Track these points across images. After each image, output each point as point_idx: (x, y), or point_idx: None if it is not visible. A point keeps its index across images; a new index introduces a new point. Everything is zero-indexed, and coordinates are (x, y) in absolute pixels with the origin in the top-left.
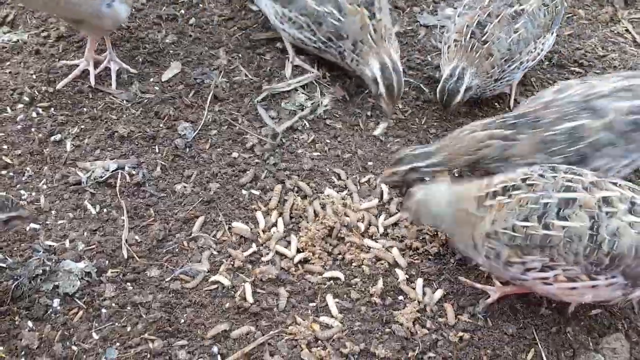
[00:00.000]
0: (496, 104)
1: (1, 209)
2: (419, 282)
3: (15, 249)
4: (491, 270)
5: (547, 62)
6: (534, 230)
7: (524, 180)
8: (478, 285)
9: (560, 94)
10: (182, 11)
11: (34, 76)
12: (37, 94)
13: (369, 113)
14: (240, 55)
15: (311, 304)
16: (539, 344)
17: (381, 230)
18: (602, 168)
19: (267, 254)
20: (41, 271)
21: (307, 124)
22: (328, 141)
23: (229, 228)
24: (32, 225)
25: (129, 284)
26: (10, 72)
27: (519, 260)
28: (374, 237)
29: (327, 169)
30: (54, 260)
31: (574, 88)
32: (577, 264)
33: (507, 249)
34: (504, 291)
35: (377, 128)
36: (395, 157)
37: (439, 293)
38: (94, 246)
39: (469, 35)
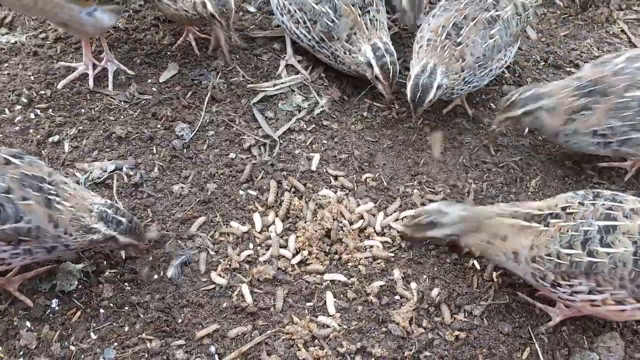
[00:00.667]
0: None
1: (130, 233)
2: (416, 281)
3: None
4: (537, 287)
5: (543, 63)
6: (579, 257)
7: (563, 209)
8: (539, 305)
9: (631, 62)
10: None
11: (32, 77)
12: (35, 95)
13: (365, 114)
14: (237, 56)
15: (308, 304)
16: (534, 342)
17: (378, 230)
18: None
19: (264, 254)
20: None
21: (304, 124)
22: (325, 142)
23: (227, 228)
24: None
25: (126, 284)
26: (8, 74)
27: (565, 283)
28: (370, 237)
29: (324, 170)
30: (54, 261)
31: None
32: (623, 288)
33: (552, 274)
34: (566, 314)
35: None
36: (506, 101)
37: (435, 292)
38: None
39: (443, 36)
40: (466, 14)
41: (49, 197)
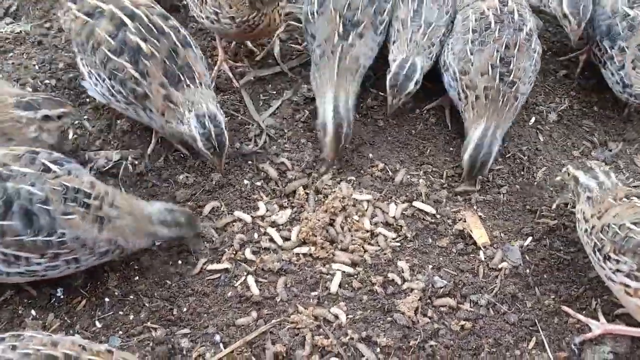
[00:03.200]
0: None
1: (189, 226)
2: (421, 271)
3: None
4: (592, 262)
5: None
6: (634, 234)
7: None
8: (582, 318)
9: None
10: (185, 2)
11: (36, 67)
12: (40, 84)
13: (369, 102)
14: (242, 46)
15: (313, 293)
16: (540, 332)
17: (383, 219)
18: None
19: (269, 243)
20: None
21: (309, 114)
22: None
23: (231, 217)
24: None
25: (131, 273)
26: (13, 63)
27: (614, 257)
28: (376, 227)
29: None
30: None
31: None
32: None
33: (609, 243)
34: (607, 329)
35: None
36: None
37: (440, 282)
38: None
39: (497, 79)
40: (506, 42)
41: (97, 214)
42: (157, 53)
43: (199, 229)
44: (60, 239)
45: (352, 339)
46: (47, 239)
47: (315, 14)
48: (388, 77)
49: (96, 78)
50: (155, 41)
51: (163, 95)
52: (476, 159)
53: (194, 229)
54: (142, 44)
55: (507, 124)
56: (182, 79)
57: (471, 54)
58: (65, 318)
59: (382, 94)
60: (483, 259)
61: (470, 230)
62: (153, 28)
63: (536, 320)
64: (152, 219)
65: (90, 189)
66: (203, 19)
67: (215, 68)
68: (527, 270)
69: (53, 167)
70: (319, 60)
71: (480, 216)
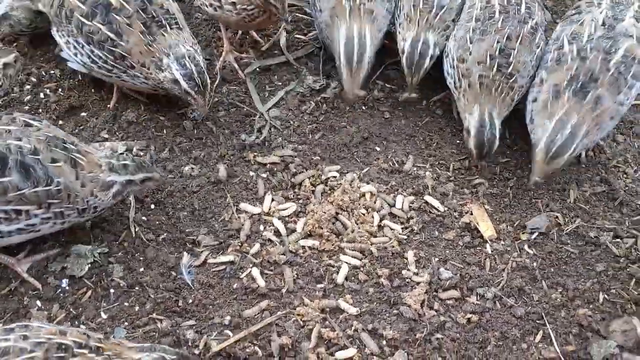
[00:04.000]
0: None
1: (139, 169)
2: (428, 264)
3: None
4: None
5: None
6: None
7: None
8: None
9: None
10: None
11: (41, 58)
12: (44, 75)
13: (376, 94)
14: (247, 36)
15: (319, 285)
16: (547, 326)
17: (389, 211)
18: None
19: (275, 235)
20: (52, 255)
21: (314, 105)
22: (336, 123)
23: (237, 209)
24: None
25: (137, 264)
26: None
27: None
28: (382, 219)
29: (335, 152)
30: (65, 243)
31: None
32: None
33: None
34: None
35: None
36: (548, 148)
37: (447, 275)
38: (103, 225)
39: (494, 69)
40: (508, 33)
41: (72, 157)
42: (127, 5)
43: (153, 170)
44: (57, 187)
45: (358, 331)
46: (47, 188)
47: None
48: (403, 58)
49: (74, 46)
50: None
51: (145, 44)
52: (482, 140)
53: (147, 170)
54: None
55: (503, 110)
56: (163, 23)
57: (471, 42)
58: (71, 309)
59: (388, 85)
60: (490, 252)
61: (477, 223)
62: None
63: (543, 314)
64: (103, 167)
65: (65, 136)
66: (207, 6)
67: (221, 59)
68: (534, 264)
69: (33, 122)
70: (329, 21)
71: (487, 209)
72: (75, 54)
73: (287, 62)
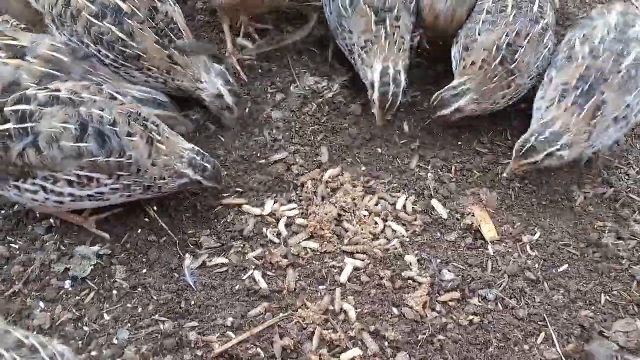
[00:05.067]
0: None
1: (213, 178)
2: (430, 266)
3: (20, 232)
4: None
5: None
6: None
7: None
8: None
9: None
10: None
11: None
12: None
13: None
14: (249, 38)
15: (321, 287)
16: (549, 327)
17: (392, 213)
18: None
19: (277, 237)
20: (55, 257)
21: (316, 107)
22: (338, 125)
23: (239, 211)
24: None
25: (139, 266)
26: None
27: None
28: (385, 221)
29: (338, 153)
30: (68, 245)
31: None
32: None
33: None
34: None
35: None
36: (522, 148)
37: (449, 276)
38: (106, 227)
39: (498, 60)
40: (518, 30)
41: (151, 135)
42: (137, 11)
43: (222, 182)
44: (129, 161)
45: (360, 333)
46: (119, 160)
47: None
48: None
49: (79, 46)
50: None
51: (166, 55)
52: (439, 96)
53: (218, 182)
54: (121, 4)
55: (496, 96)
56: (172, 36)
57: (479, 34)
58: (74, 310)
59: None
60: (492, 253)
61: (479, 225)
62: None
63: (545, 316)
64: (184, 159)
65: (148, 115)
66: None
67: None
68: (536, 265)
69: (119, 96)
70: (365, 46)
71: (489, 211)
72: None
73: (289, 64)
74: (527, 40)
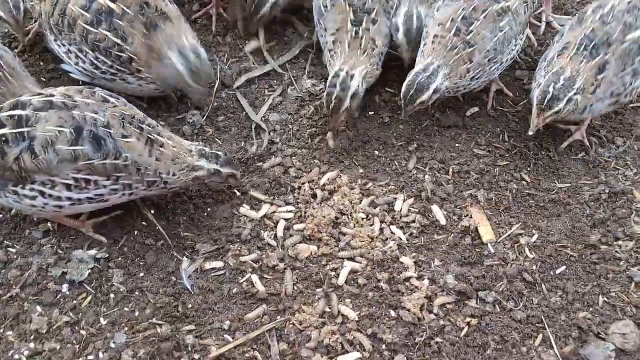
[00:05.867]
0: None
1: (228, 163)
2: (427, 267)
3: (17, 236)
4: None
5: None
6: None
7: None
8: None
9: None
10: None
11: None
12: None
13: (375, 99)
14: (247, 41)
15: (318, 290)
16: (547, 329)
17: (389, 215)
18: None
19: (274, 239)
20: (52, 260)
21: (313, 109)
22: (339, 127)
23: (236, 214)
24: None
25: (136, 269)
26: None
27: None
28: (382, 223)
29: (335, 155)
30: (65, 248)
31: None
32: None
33: None
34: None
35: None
36: (543, 98)
37: (446, 278)
38: (103, 231)
39: (452, 32)
40: (475, 5)
41: (149, 136)
42: (127, 9)
43: (238, 169)
44: (125, 162)
45: (357, 335)
46: (115, 161)
47: (328, 6)
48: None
49: (76, 55)
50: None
51: (147, 46)
52: (412, 83)
53: (235, 167)
54: (112, 5)
55: (455, 69)
56: (159, 24)
57: (437, 10)
58: (71, 314)
59: (389, 89)
60: (489, 255)
61: (477, 227)
62: None
63: (543, 317)
64: (193, 152)
65: (143, 117)
66: None
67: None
68: (534, 267)
69: (111, 99)
70: (333, 46)
71: (486, 212)
72: (77, 63)
73: (285, 67)
74: (483, 15)
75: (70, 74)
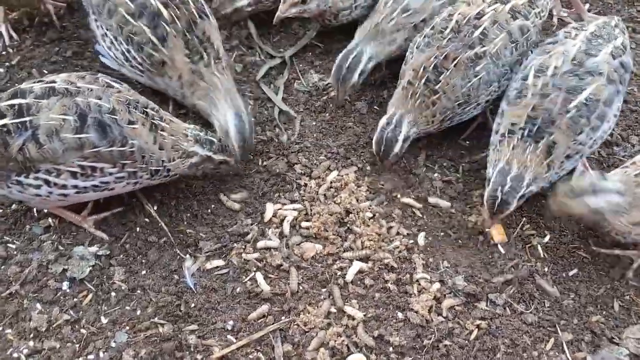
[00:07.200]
0: None
1: (222, 150)
2: (436, 269)
3: (18, 232)
4: None
5: None
6: None
7: None
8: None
9: None
10: None
11: None
12: None
13: (384, 93)
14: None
15: (324, 290)
16: (559, 333)
17: (398, 214)
18: None
19: (279, 237)
20: (53, 257)
21: (320, 104)
22: (342, 124)
23: (240, 211)
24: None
25: (138, 267)
26: None
27: None
28: (390, 222)
29: (343, 153)
30: (66, 245)
31: None
32: None
33: None
34: None
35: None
36: (492, 204)
37: (455, 280)
38: (104, 227)
39: (422, 80)
40: (447, 52)
41: (153, 121)
42: (177, 21)
43: (233, 156)
44: (131, 149)
45: (364, 337)
46: (121, 149)
47: None
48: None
49: (111, 41)
50: (176, 9)
51: (190, 69)
52: (381, 139)
53: (228, 154)
54: (163, 10)
55: (419, 120)
56: (204, 54)
57: (416, 47)
58: (71, 312)
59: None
60: (500, 256)
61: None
62: None
63: (555, 321)
64: (189, 137)
65: (146, 102)
66: None
67: None
68: (546, 269)
69: (114, 84)
70: None
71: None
72: (110, 48)
73: (291, 61)
74: (453, 64)
75: (101, 57)
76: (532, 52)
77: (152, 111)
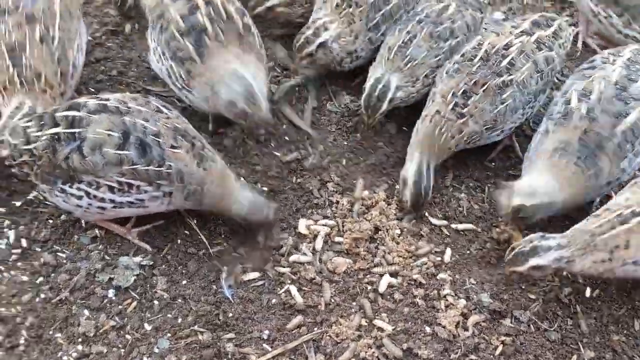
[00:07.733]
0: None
1: (265, 205)
2: (463, 285)
3: (67, 241)
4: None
5: None
6: None
7: None
8: None
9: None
10: None
11: None
12: None
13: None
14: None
15: (354, 303)
16: (581, 351)
17: (426, 231)
18: None
19: (312, 252)
20: (100, 266)
21: (349, 122)
22: (374, 142)
23: (276, 226)
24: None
25: (179, 277)
26: None
27: None
28: (419, 239)
29: (373, 170)
30: (112, 255)
31: None
32: None
33: None
34: None
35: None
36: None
37: (482, 297)
38: (147, 239)
39: (451, 105)
40: (477, 79)
41: (202, 152)
42: (222, 35)
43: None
44: (168, 170)
45: (393, 350)
46: (158, 169)
47: None
48: (362, 98)
49: (160, 55)
50: (221, 27)
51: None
52: (420, 191)
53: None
54: (209, 26)
55: (442, 156)
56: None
57: (446, 73)
58: (117, 319)
59: None
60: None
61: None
62: (223, 13)
63: (577, 339)
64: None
65: (194, 133)
66: None
67: None
68: (569, 289)
69: (165, 110)
70: None
71: (523, 232)
72: (158, 61)
73: (325, 82)
74: (482, 89)
75: (150, 68)
76: (557, 79)
77: (199, 142)
